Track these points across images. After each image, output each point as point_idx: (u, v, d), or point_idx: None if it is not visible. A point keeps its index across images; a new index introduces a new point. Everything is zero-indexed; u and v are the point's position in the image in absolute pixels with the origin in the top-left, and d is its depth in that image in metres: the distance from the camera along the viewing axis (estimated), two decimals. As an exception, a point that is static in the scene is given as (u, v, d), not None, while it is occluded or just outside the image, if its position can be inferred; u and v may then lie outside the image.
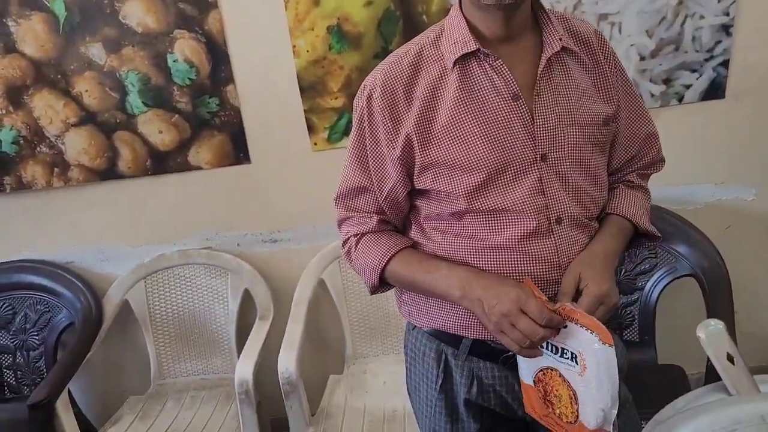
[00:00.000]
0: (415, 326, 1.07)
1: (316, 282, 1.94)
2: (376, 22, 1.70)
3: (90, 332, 1.85)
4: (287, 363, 1.66)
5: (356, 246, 1.02)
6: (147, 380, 1.99)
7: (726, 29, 1.70)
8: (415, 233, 1.03)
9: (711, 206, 1.90)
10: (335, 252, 1.96)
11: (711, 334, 1.03)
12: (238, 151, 1.86)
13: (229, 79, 1.77)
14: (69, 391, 1.79)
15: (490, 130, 0.89)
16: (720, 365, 1.01)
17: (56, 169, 1.86)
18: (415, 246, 1.01)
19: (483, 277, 0.90)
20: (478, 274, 0.91)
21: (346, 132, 1.83)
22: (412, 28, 1.70)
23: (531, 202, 0.90)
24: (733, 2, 1.67)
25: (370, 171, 0.98)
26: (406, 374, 1.13)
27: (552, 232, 0.91)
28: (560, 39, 0.90)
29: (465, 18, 0.90)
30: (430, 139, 0.90)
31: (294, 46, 1.73)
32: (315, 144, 1.84)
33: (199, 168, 1.88)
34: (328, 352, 2.06)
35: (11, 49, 1.73)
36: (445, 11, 1.64)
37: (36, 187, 1.87)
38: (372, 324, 2.00)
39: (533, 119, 0.89)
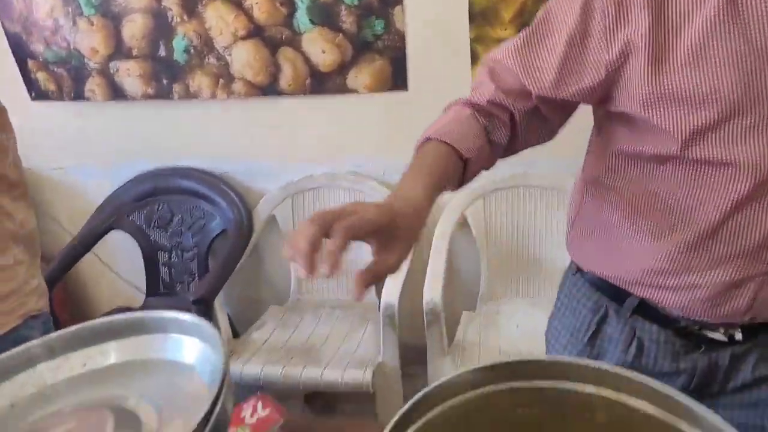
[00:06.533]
0: (578, 270, 0.99)
1: (459, 217, 1.93)
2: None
3: (242, 242, 1.94)
4: (432, 293, 1.68)
5: (447, 109, 0.84)
6: (286, 293, 2.09)
7: None
8: (595, 164, 0.89)
9: None
10: (482, 189, 1.92)
11: None
12: (396, 78, 1.83)
13: (398, 1, 1.72)
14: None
15: (744, 55, 0.71)
16: None
17: (221, 81, 1.91)
18: (465, 158, 0.77)
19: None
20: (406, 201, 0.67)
21: (512, 65, 1.74)
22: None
23: (765, 160, 0.73)
24: None
25: (548, 53, 0.77)
26: (551, 319, 1.06)
27: None
28: None
29: None
30: (663, 62, 0.72)
31: (471, -31, 1.65)
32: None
33: (355, 91, 1.87)
34: (461, 288, 2.06)
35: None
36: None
37: (201, 97, 1.95)
38: (510, 266, 1.97)
39: None
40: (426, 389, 0.55)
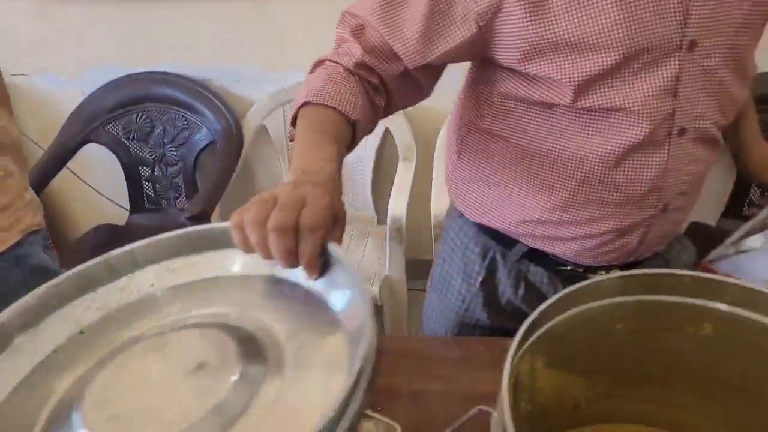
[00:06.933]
0: (463, 215, 0.94)
1: (461, 128, 1.85)
2: None
3: (232, 154, 1.82)
4: (440, 207, 1.63)
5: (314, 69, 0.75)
6: (279, 208, 2.00)
7: None
8: (475, 106, 0.82)
9: None
10: (486, 98, 1.83)
11: None
12: (398, -28, 1.67)
13: None
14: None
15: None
16: None
17: (201, -26, 1.71)
18: (352, 120, 0.68)
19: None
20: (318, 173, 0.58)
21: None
22: None
23: (655, 103, 0.69)
24: None
25: (412, 10, 0.69)
26: (436, 267, 1.02)
27: (668, 144, 0.72)
28: None
29: None
30: (540, 9, 0.65)
31: None
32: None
33: (353, -12, 1.70)
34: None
35: None
36: None
37: (179, -7, 1.75)
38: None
39: None
40: (539, 308, 0.50)
